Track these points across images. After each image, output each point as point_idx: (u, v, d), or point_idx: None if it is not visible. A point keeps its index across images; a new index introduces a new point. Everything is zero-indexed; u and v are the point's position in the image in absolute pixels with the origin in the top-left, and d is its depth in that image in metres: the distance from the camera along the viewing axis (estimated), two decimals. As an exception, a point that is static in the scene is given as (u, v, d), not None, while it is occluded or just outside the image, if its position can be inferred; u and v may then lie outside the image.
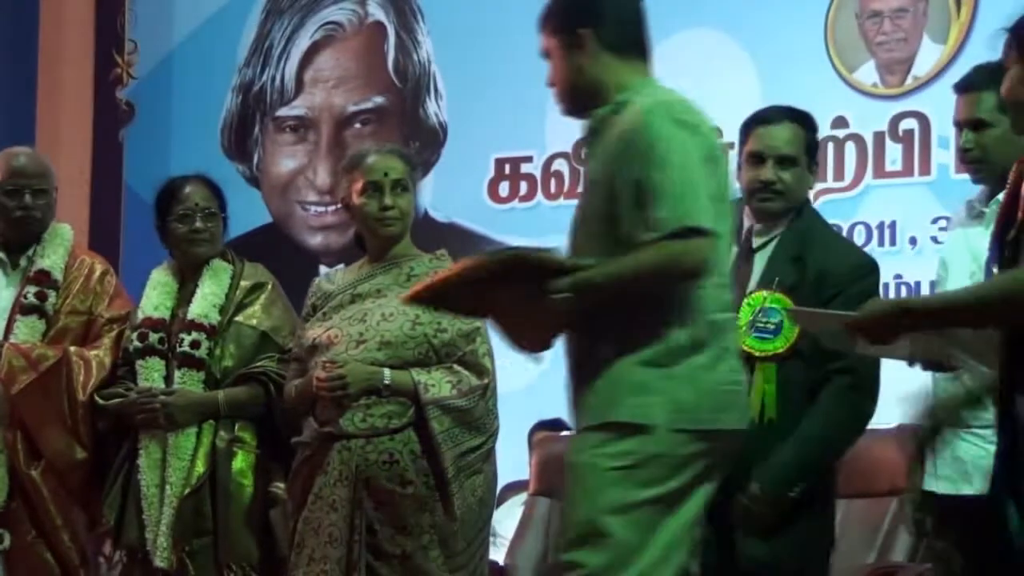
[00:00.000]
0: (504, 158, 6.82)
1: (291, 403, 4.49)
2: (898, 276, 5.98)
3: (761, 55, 6.32)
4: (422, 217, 6.35)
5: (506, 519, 5.87)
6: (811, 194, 4.84)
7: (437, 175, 7.02)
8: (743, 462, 4.00)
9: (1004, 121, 3.73)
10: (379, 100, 7.22)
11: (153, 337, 4.77)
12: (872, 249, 5.48)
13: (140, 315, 4.84)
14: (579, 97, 3.56)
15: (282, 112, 7.36)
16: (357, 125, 7.23)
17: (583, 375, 3.46)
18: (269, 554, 4.66)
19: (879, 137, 6.13)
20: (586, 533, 3.33)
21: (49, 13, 7.69)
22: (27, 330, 4.93)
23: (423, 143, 7.02)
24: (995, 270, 3.12)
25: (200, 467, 4.66)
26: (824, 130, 6.08)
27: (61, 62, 7.66)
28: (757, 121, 4.26)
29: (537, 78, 3.69)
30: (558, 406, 3.88)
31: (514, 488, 6.02)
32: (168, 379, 4.75)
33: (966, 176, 4.30)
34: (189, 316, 4.75)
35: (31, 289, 4.95)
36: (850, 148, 6.17)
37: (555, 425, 5.93)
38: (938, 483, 4.09)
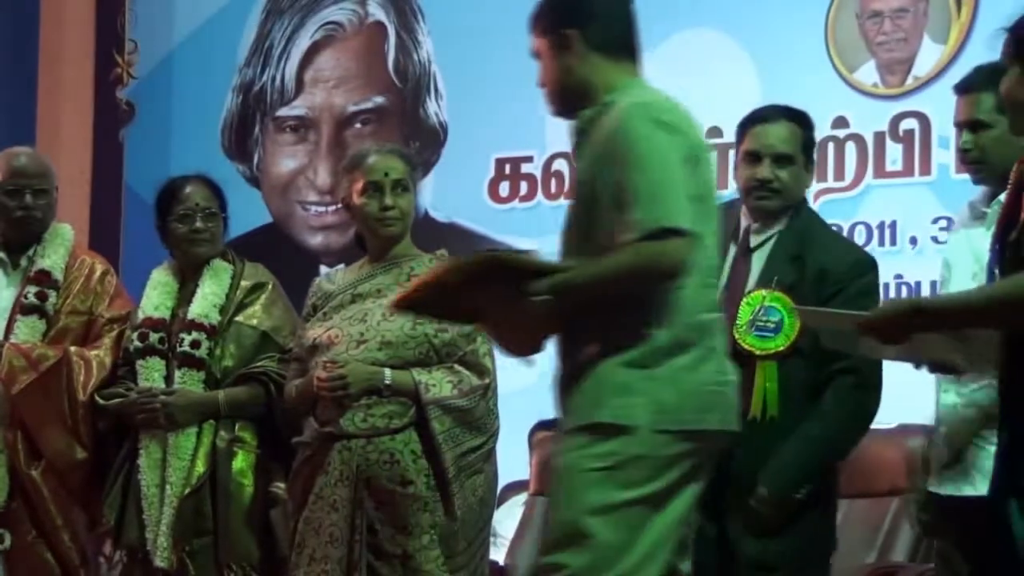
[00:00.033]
0: (504, 158, 6.82)
1: (292, 403, 4.49)
2: (898, 276, 5.98)
3: (761, 55, 6.31)
4: (422, 217, 6.35)
5: (506, 519, 5.87)
6: (811, 194, 4.86)
7: (437, 175, 7.01)
8: (745, 461, 4.02)
9: (1003, 122, 3.73)
10: (379, 100, 7.21)
11: (153, 337, 4.78)
12: (872, 249, 5.46)
13: (140, 315, 4.84)
14: (568, 98, 3.57)
15: (282, 112, 7.36)
16: (357, 125, 7.23)
17: (568, 377, 3.47)
18: (269, 554, 4.66)
19: (879, 137, 6.13)
20: (568, 534, 3.33)
21: (49, 13, 7.68)
22: (27, 330, 4.93)
23: (423, 143, 7.02)
24: (996, 271, 3.11)
25: (200, 467, 4.66)
26: (824, 130, 6.10)
27: (61, 62, 7.65)
28: (754, 120, 4.27)
29: (537, 78, 3.69)
30: (559, 406, 3.88)
31: (514, 488, 6.01)
32: (168, 379, 4.75)
33: (966, 176, 4.30)
34: (189, 316, 4.76)
35: (31, 289, 4.95)
36: (850, 148, 6.16)
37: (555, 425, 5.92)
38: (940, 484, 4.09)
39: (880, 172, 6.13)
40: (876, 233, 6.06)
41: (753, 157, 4.21)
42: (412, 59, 7.15)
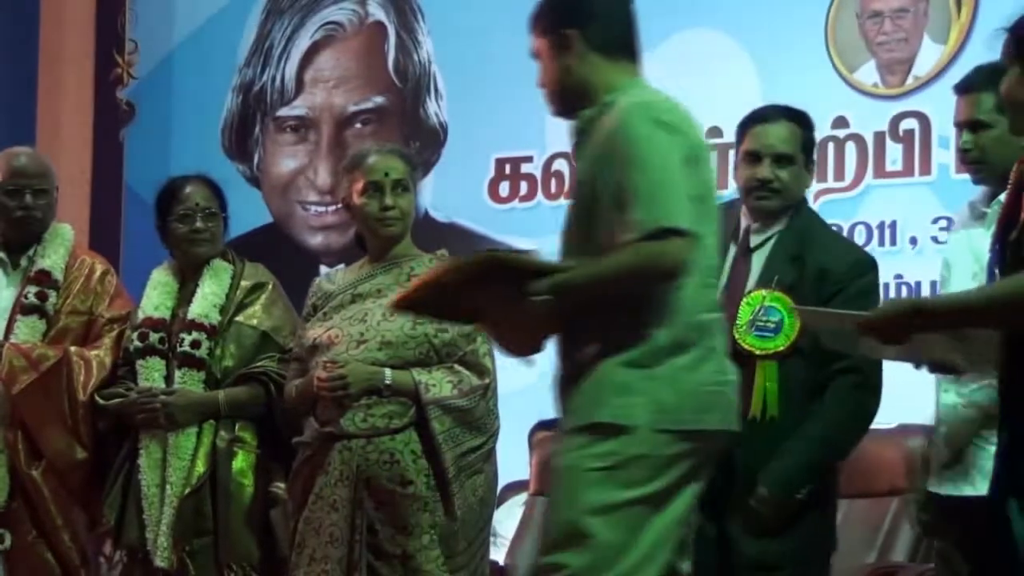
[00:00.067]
0: (504, 158, 6.82)
1: (292, 403, 4.49)
2: (898, 276, 5.97)
3: (761, 55, 6.31)
4: (422, 217, 6.35)
5: (506, 519, 5.87)
6: (811, 194, 4.85)
7: (437, 175, 7.01)
8: (745, 461, 4.02)
9: (1002, 122, 3.73)
10: (379, 100, 7.21)
11: (153, 337, 4.78)
12: (872, 249, 5.46)
13: (140, 315, 4.84)
14: (567, 98, 3.57)
15: (282, 112, 7.36)
16: (357, 125, 7.23)
17: (568, 377, 3.47)
18: (269, 554, 4.66)
19: (879, 137, 6.12)
20: (569, 534, 3.33)
21: (49, 13, 7.68)
22: (28, 330, 4.93)
23: (423, 143, 7.02)
24: (996, 272, 3.11)
25: (200, 467, 4.66)
26: (824, 130, 6.10)
27: (61, 62, 7.65)
28: (754, 120, 4.27)
29: (537, 78, 3.69)
30: (559, 406, 3.88)
31: (515, 488, 6.01)
32: (168, 379, 4.75)
33: (967, 176, 4.30)
34: (189, 316, 4.76)
35: (32, 289, 4.95)
36: (850, 148, 6.16)
37: (556, 425, 5.92)
38: (940, 484, 4.10)
39: (880, 172, 6.13)
40: (876, 233, 6.06)
41: (753, 157, 4.22)
42: (412, 59, 7.15)
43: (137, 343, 4.79)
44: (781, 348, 4.08)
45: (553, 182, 6.69)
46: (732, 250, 4.23)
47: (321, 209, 7.24)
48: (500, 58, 6.52)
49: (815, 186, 6.05)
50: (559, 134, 6.47)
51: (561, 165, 6.64)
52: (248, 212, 6.86)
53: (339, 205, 4.99)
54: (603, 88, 3.50)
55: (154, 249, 5.06)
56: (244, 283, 4.82)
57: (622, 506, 3.32)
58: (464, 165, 6.93)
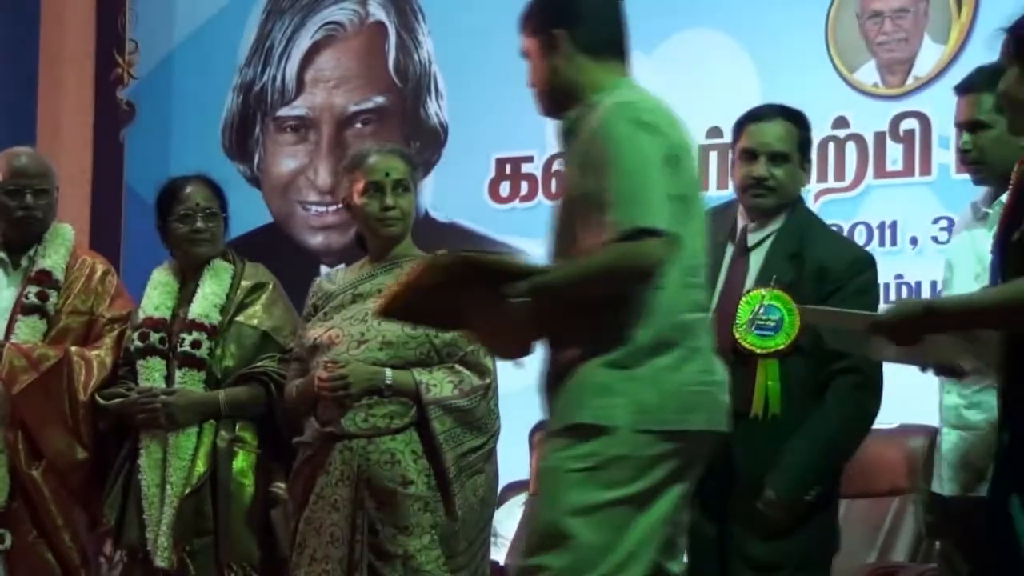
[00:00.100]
0: (505, 158, 6.82)
1: (292, 403, 4.49)
2: (899, 276, 5.98)
3: (761, 55, 6.31)
4: (423, 217, 6.35)
5: (507, 519, 5.88)
6: (812, 194, 4.86)
7: (438, 175, 7.01)
8: (746, 460, 4.02)
9: (1002, 122, 3.73)
10: (380, 100, 7.21)
11: (154, 337, 4.78)
12: (873, 249, 5.46)
13: (141, 315, 4.84)
14: (556, 98, 3.56)
15: (283, 112, 7.36)
16: (358, 125, 7.23)
17: (552, 379, 3.46)
18: (270, 554, 4.66)
19: (880, 137, 6.13)
20: (550, 535, 3.32)
21: (50, 13, 7.68)
22: (28, 330, 4.93)
23: (424, 143, 7.02)
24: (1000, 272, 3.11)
25: (201, 467, 4.66)
26: (825, 130, 6.10)
27: (62, 62, 7.65)
28: (750, 118, 4.29)
29: (527, 78, 3.69)
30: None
31: (515, 488, 6.02)
32: (169, 379, 4.75)
33: (967, 176, 4.30)
34: (190, 316, 4.76)
35: (32, 289, 4.95)
36: (851, 148, 6.16)
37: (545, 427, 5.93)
38: (943, 484, 4.10)
39: (880, 172, 6.13)
40: (876, 233, 6.07)
41: (749, 155, 4.23)
42: (413, 59, 7.15)
43: (138, 343, 4.79)
44: (782, 346, 4.08)
45: (554, 182, 6.69)
46: (730, 250, 4.24)
47: (321, 209, 7.24)
48: (500, 58, 6.48)
49: (815, 186, 6.07)
50: (559, 134, 6.50)
51: (561, 165, 6.64)
52: (248, 212, 6.86)
53: (339, 205, 4.99)
54: (591, 88, 3.50)
55: (154, 249, 5.06)
56: (244, 283, 4.82)
57: (603, 507, 3.31)
58: (464, 165, 6.93)
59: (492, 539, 4.56)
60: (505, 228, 6.72)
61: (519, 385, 4.90)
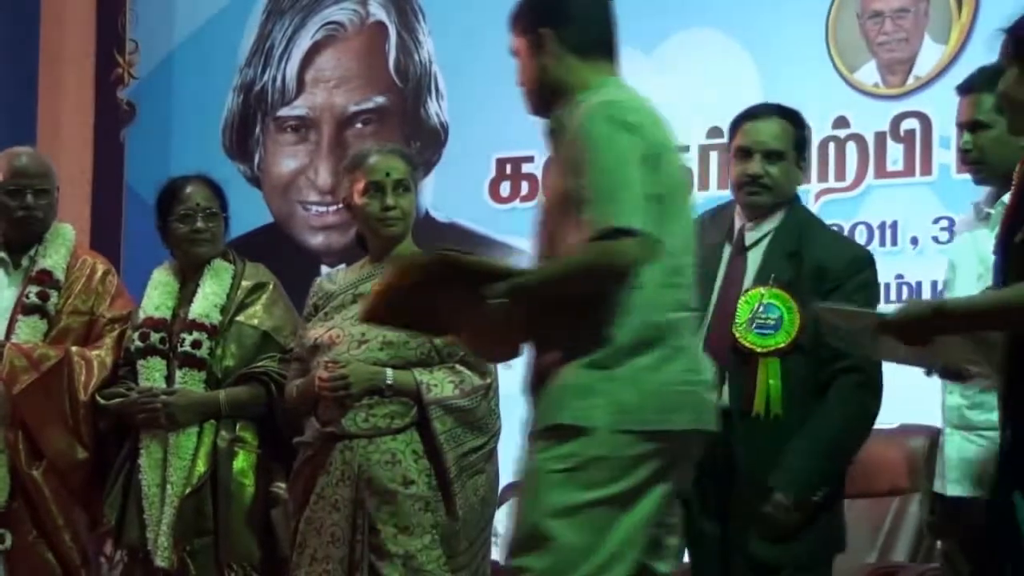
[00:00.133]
0: (505, 158, 6.82)
1: (293, 403, 4.49)
2: (899, 276, 5.98)
3: (762, 55, 6.31)
4: (423, 217, 6.35)
5: (508, 519, 5.86)
6: (812, 194, 4.86)
7: (438, 175, 7.01)
8: (748, 458, 4.02)
9: (1002, 122, 3.73)
10: (380, 100, 7.21)
11: (154, 337, 4.78)
12: (873, 249, 5.45)
13: (141, 315, 4.84)
14: (544, 97, 3.57)
15: (283, 112, 7.36)
16: (358, 125, 7.23)
17: (536, 380, 3.46)
18: (270, 554, 4.66)
19: (880, 137, 6.13)
20: (531, 537, 3.32)
21: (50, 12, 7.68)
22: (29, 330, 4.93)
23: (424, 143, 7.02)
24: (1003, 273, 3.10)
25: (201, 467, 4.66)
26: (825, 130, 6.11)
27: (62, 62, 7.65)
28: (745, 117, 4.30)
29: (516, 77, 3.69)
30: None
31: (516, 488, 6.00)
32: (169, 379, 4.75)
33: (968, 176, 4.30)
34: (190, 316, 4.76)
35: (33, 289, 4.95)
36: (851, 148, 6.16)
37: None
38: (946, 485, 4.10)
39: (881, 172, 6.13)
40: (877, 233, 6.07)
41: (744, 153, 4.24)
42: (413, 59, 7.15)
43: (138, 343, 4.79)
44: (782, 344, 4.08)
45: (554, 182, 6.69)
46: (727, 250, 4.24)
47: (322, 209, 7.24)
48: (501, 58, 6.47)
49: (816, 186, 6.08)
50: (560, 134, 6.50)
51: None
52: (249, 212, 6.86)
53: (340, 205, 4.99)
54: (578, 88, 3.49)
55: (155, 249, 5.06)
56: (245, 283, 4.82)
57: (583, 508, 3.30)
58: (465, 165, 6.93)
59: (493, 539, 4.56)
60: (505, 228, 6.72)
61: (520, 385, 4.92)
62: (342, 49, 7.31)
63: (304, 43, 7.34)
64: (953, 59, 5.99)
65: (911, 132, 6.08)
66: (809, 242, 4.18)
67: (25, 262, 5.01)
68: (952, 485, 4.09)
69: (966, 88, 4.15)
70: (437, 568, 4.25)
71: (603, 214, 3.27)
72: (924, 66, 6.08)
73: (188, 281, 4.85)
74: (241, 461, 4.69)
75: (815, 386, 4.09)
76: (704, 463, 3.77)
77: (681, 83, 6.22)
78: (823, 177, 6.11)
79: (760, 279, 4.15)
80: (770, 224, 4.22)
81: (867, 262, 4.22)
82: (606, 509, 3.31)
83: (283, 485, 4.62)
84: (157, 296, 4.84)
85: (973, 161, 4.14)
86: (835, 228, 5.63)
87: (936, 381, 4.00)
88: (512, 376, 4.48)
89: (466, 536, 4.31)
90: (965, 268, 4.11)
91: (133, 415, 4.73)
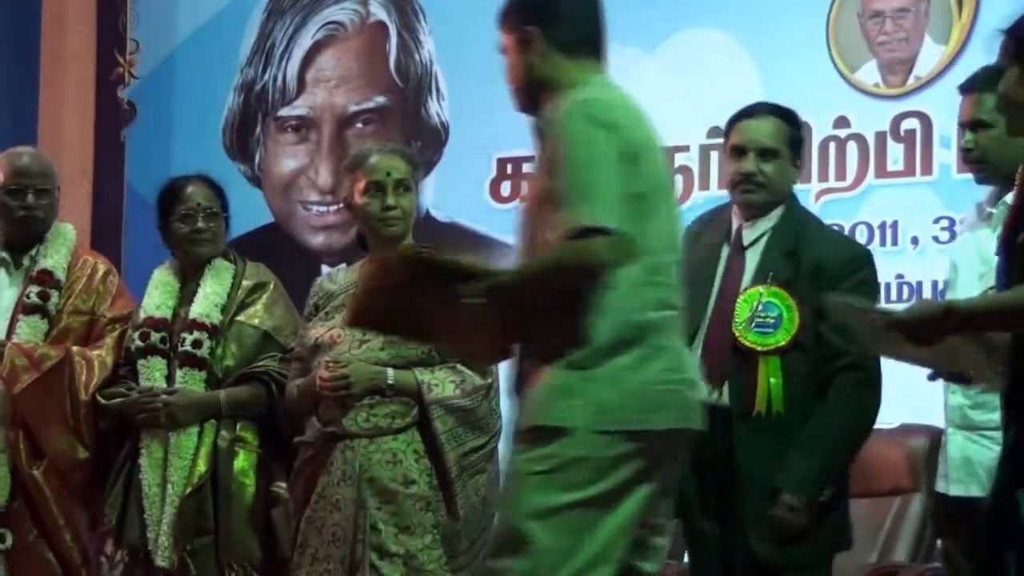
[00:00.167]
0: (506, 158, 6.81)
1: (293, 403, 4.49)
2: (900, 276, 5.98)
3: (762, 55, 6.31)
4: (424, 217, 6.35)
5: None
6: (813, 194, 4.86)
7: (439, 175, 7.01)
8: (748, 457, 4.01)
9: (1003, 122, 3.73)
10: (381, 100, 7.21)
11: (155, 336, 4.78)
12: (874, 249, 5.44)
13: (142, 315, 4.84)
14: (531, 95, 3.56)
15: (284, 112, 7.36)
16: (359, 125, 7.23)
17: (519, 383, 3.45)
18: (271, 554, 4.66)
19: (881, 137, 6.12)
20: (510, 538, 3.31)
21: (51, 12, 7.68)
22: (29, 330, 4.93)
23: (425, 143, 7.02)
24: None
25: (202, 466, 4.66)
26: (826, 130, 6.11)
27: (63, 61, 7.65)
28: (740, 116, 4.31)
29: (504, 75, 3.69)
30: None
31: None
32: (170, 378, 4.76)
33: (968, 176, 4.30)
34: (191, 316, 4.76)
35: (34, 289, 4.96)
36: (852, 148, 6.16)
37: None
38: (948, 485, 4.10)
39: (881, 172, 6.13)
40: (877, 233, 6.06)
41: (738, 151, 4.24)
42: (414, 59, 7.15)
43: (139, 343, 4.79)
44: (782, 343, 4.08)
45: (554, 182, 6.68)
46: (725, 250, 4.24)
47: (322, 209, 7.24)
48: (501, 58, 6.52)
49: (816, 186, 6.08)
50: (560, 134, 6.49)
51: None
52: (249, 212, 6.85)
53: (340, 205, 4.99)
54: (565, 86, 3.48)
55: (155, 249, 5.06)
56: (245, 283, 4.83)
57: (561, 510, 3.28)
58: (465, 165, 6.93)
59: (493, 539, 4.56)
60: (506, 228, 6.69)
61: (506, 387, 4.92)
62: (343, 49, 7.31)
63: (305, 43, 7.34)
64: (953, 59, 5.99)
65: (911, 132, 6.08)
66: (807, 241, 4.18)
67: (26, 262, 5.02)
68: (955, 485, 4.09)
69: (968, 87, 4.15)
70: (438, 568, 4.25)
71: (577, 213, 3.25)
72: (924, 66, 6.08)
73: (189, 281, 4.85)
74: (242, 461, 4.69)
75: (816, 384, 4.09)
76: (704, 463, 3.78)
77: (681, 83, 6.23)
78: (823, 177, 6.11)
79: (758, 278, 4.15)
80: (767, 223, 4.22)
81: (865, 260, 4.23)
82: (586, 511, 3.28)
83: (284, 485, 4.62)
84: (158, 296, 4.85)
85: (975, 160, 4.14)
86: (836, 228, 5.63)
87: (937, 381, 4.01)
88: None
89: (467, 536, 4.31)
90: (967, 268, 4.11)
91: (134, 415, 4.74)
